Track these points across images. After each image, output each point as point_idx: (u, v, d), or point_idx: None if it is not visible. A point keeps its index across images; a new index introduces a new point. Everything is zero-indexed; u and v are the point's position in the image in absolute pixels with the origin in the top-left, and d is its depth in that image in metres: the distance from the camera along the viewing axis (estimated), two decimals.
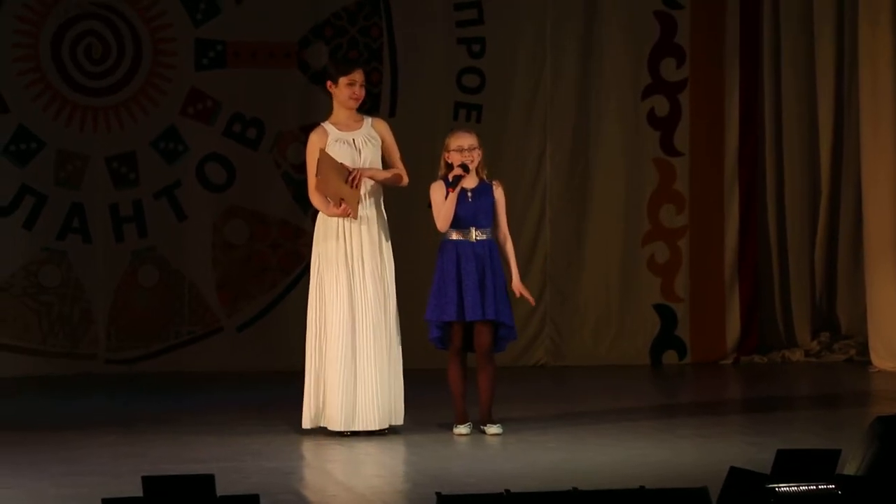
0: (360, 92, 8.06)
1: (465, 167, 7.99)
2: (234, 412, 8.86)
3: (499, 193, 8.09)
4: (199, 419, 8.58)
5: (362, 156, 8.05)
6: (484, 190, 8.07)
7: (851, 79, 11.00)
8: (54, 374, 10.30)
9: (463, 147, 8.01)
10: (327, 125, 8.12)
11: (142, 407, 9.18)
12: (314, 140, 8.07)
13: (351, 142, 8.06)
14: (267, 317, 10.62)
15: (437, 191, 8.04)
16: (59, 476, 7.00)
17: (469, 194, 8.03)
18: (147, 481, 4.89)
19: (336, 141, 8.04)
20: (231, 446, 7.74)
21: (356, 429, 7.92)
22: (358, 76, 8.05)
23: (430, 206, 8.11)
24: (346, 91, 8.04)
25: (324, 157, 7.94)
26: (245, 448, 7.68)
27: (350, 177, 7.91)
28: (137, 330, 10.49)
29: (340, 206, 7.90)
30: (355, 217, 7.92)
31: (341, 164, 7.94)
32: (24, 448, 7.72)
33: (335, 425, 7.93)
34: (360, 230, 7.99)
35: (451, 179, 7.97)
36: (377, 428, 7.95)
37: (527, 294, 8.15)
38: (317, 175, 7.96)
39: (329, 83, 8.10)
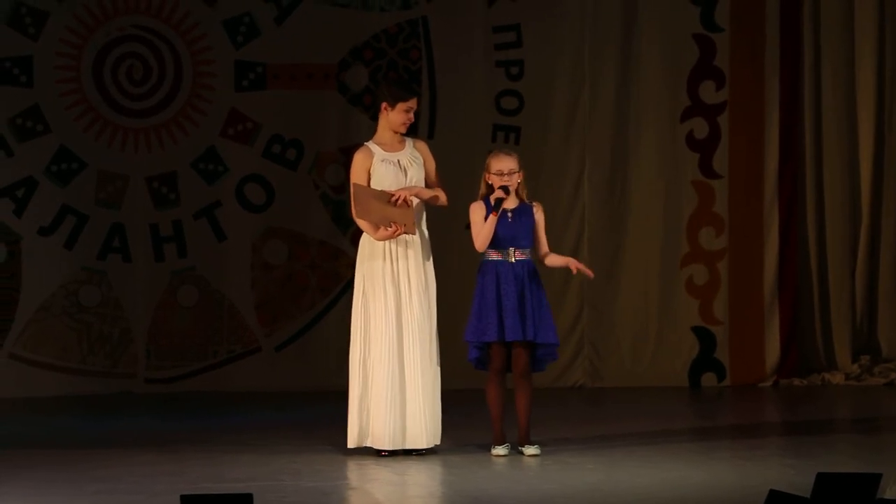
0: (412, 118, 8.12)
1: (505, 189, 8.00)
2: (273, 431, 8.88)
3: (539, 215, 8.10)
4: (238, 438, 8.60)
5: (408, 176, 8.08)
6: (524, 211, 8.08)
7: (892, 98, 10.96)
8: (94, 393, 10.35)
9: (503, 171, 8.01)
10: (372, 145, 8.15)
11: (181, 426, 9.21)
12: (359, 160, 8.09)
13: (396, 162, 8.09)
14: (305, 337, 10.65)
15: (476, 211, 8.05)
16: (98, 494, 7.02)
17: (510, 215, 8.04)
18: (185, 500, 4.91)
19: (382, 161, 8.07)
20: (270, 466, 7.75)
21: (405, 447, 7.94)
22: (414, 103, 8.11)
23: (468, 226, 8.12)
24: (401, 116, 8.08)
25: (358, 189, 7.97)
26: (284, 468, 7.70)
27: (393, 199, 7.93)
28: (176, 349, 10.54)
29: (390, 227, 7.91)
30: (413, 233, 7.95)
31: (380, 190, 7.96)
32: (63, 466, 7.76)
33: (383, 444, 7.94)
34: (406, 250, 8.02)
35: (493, 203, 7.98)
36: (424, 447, 7.97)
37: (583, 268, 8.09)
38: (354, 207, 7.98)
39: (384, 104, 8.11)
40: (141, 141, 10.58)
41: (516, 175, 8.03)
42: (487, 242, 8.00)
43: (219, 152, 10.62)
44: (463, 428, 8.46)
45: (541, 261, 8.11)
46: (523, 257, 8.04)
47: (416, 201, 8.03)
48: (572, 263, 8.10)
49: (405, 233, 7.92)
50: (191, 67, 10.60)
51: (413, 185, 8.06)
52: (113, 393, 10.39)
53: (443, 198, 8.15)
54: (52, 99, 10.46)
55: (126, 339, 10.51)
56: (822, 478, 5.17)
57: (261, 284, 10.64)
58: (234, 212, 10.61)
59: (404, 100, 8.07)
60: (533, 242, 8.07)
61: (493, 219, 7.97)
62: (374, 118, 8.28)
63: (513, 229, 8.02)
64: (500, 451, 8.03)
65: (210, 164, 10.62)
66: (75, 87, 10.49)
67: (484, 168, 8.09)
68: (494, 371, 8.03)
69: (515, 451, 8.04)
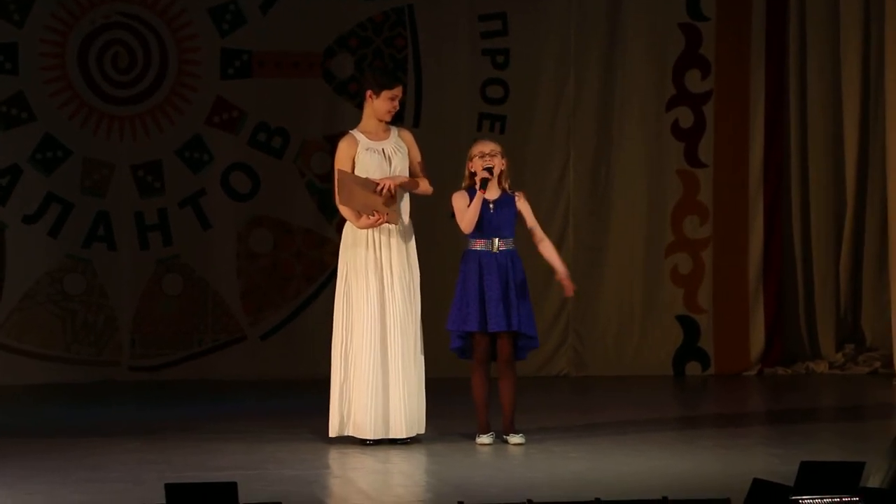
0: (397, 106, 8.11)
1: (489, 170, 8.00)
2: (258, 420, 8.88)
3: (522, 204, 8.10)
4: (223, 427, 8.60)
5: (392, 165, 8.08)
6: (506, 201, 8.08)
7: (877, 90, 10.97)
8: (78, 382, 10.34)
9: (484, 152, 8.03)
10: (357, 133, 8.15)
11: (165, 414, 9.20)
12: (344, 147, 8.10)
13: (381, 151, 8.09)
14: (290, 325, 10.65)
15: (458, 199, 8.06)
16: (83, 482, 7.02)
17: (491, 205, 8.04)
18: (170, 488, 4.92)
19: (366, 150, 8.07)
20: (254, 454, 7.76)
21: (387, 436, 7.94)
22: (399, 91, 8.11)
23: (452, 216, 8.12)
24: (386, 104, 8.08)
25: (343, 175, 7.96)
26: (268, 456, 7.70)
27: (379, 188, 7.93)
28: (161, 337, 10.53)
29: (373, 216, 7.91)
30: (396, 222, 7.95)
31: (365, 178, 7.97)
32: (48, 454, 7.75)
33: (364, 433, 7.94)
34: (389, 238, 8.03)
35: (478, 184, 7.99)
36: (406, 436, 7.97)
37: (566, 283, 8.10)
38: (338, 193, 7.98)
39: (370, 92, 8.11)
40: (126, 129, 10.56)
41: (498, 158, 8.03)
42: (474, 224, 8.00)
43: (204, 140, 10.60)
44: (447, 417, 8.47)
45: (536, 246, 8.12)
46: (507, 247, 8.04)
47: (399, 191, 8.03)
48: (560, 274, 8.08)
49: (387, 222, 7.92)
50: (176, 55, 10.58)
51: (397, 173, 8.06)
52: (97, 381, 10.38)
53: (425, 187, 8.16)
54: (37, 86, 10.43)
55: (111, 327, 10.50)
56: (805, 466, 5.19)
57: (246, 273, 10.63)
58: (219, 200, 10.60)
59: (389, 88, 8.08)
60: (515, 232, 8.07)
61: (478, 199, 7.98)
62: (360, 106, 8.28)
63: (496, 219, 8.03)
64: (484, 439, 8.05)
65: (195, 152, 10.60)
66: (60, 74, 10.47)
67: (467, 157, 8.09)
68: (478, 360, 8.03)
69: (500, 439, 8.05)
